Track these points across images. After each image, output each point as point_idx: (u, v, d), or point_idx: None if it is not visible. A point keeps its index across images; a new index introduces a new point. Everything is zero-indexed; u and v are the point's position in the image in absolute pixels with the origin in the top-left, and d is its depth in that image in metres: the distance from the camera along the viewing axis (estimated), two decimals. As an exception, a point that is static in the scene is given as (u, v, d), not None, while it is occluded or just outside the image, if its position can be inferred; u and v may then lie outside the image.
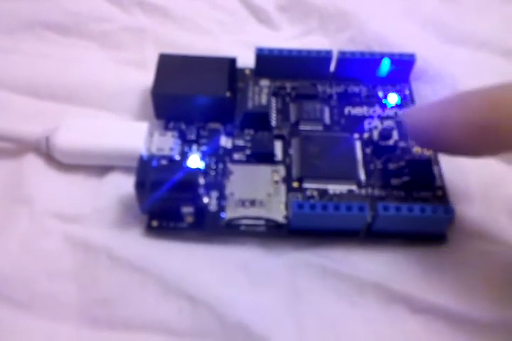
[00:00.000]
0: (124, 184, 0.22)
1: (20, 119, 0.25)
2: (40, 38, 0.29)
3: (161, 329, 0.19)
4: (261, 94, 0.25)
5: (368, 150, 0.24)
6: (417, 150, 0.24)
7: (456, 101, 0.19)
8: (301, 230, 0.21)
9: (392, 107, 0.26)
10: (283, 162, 0.23)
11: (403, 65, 0.26)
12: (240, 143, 0.24)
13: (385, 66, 0.26)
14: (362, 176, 0.23)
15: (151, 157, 0.22)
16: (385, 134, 0.24)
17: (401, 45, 0.28)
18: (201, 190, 0.21)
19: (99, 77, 0.27)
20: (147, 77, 0.25)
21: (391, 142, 0.24)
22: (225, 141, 0.24)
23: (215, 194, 0.22)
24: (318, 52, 0.26)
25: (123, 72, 0.28)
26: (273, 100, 0.26)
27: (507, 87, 0.18)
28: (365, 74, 0.26)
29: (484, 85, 0.18)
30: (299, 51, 0.26)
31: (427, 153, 0.24)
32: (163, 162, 0.21)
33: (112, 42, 0.29)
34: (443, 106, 0.19)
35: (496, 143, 0.18)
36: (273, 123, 0.25)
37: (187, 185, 0.20)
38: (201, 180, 0.21)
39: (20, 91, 0.26)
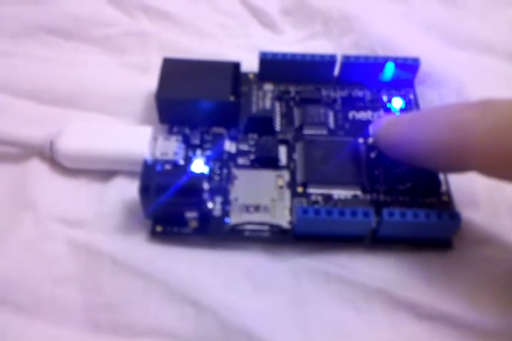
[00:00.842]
0: (129, 189, 0.22)
1: (23, 124, 0.25)
2: (42, 42, 0.29)
3: (165, 335, 0.19)
4: (265, 99, 0.25)
5: (373, 155, 0.24)
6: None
7: (423, 121, 0.20)
8: (305, 236, 0.21)
9: (396, 111, 0.26)
10: (287, 167, 0.23)
11: (407, 69, 0.26)
12: (244, 147, 0.24)
13: (389, 70, 0.26)
14: (367, 181, 0.23)
15: (155, 161, 0.21)
16: (390, 139, 0.24)
17: (405, 49, 0.28)
18: (205, 195, 0.21)
19: (102, 81, 0.27)
20: (151, 82, 0.25)
21: (396, 147, 0.24)
22: (229, 146, 0.24)
23: (219, 199, 0.22)
24: (322, 56, 0.26)
25: (126, 76, 0.28)
26: (277, 104, 0.26)
27: (472, 106, 0.18)
28: (369, 78, 0.26)
29: (451, 102, 0.19)
30: (303, 55, 0.26)
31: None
32: (168, 167, 0.21)
33: (115, 46, 0.29)
34: (411, 124, 0.20)
35: (462, 163, 0.19)
36: (277, 127, 0.25)
37: (191, 190, 0.20)
38: (205, 185, 0.21)
39: (23, 96, 0.26)
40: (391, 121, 0.21)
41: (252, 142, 0.24)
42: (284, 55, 0.26)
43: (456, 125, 0.18)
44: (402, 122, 0.21)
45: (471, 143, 0.18)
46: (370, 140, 0.24)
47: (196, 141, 0.24)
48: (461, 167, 0.19)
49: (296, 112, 0.25)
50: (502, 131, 0.17)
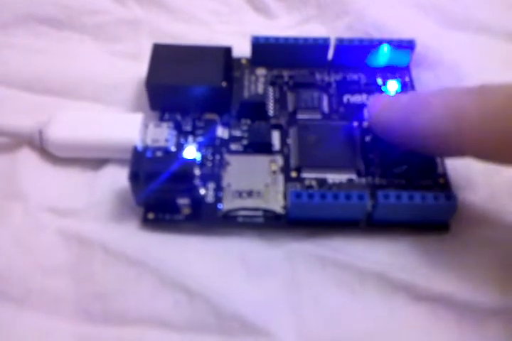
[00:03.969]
0: (120, 177, 0.22)
1: (14, 114, 0.24)
2: (33, 32, 0.29)
3: (158, 323, 0.19)
4: (257, 84, 0.25)
5: (368, 139, 0.23)
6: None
7: (419, 105, 0.19)
8: (299, 220, 0.21)
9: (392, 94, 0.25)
10: (281, 152, 0.23)
11: (403, 53, 0.25)
12: (237, 133, 0.23)
13: (384, 53, 0.25)
14: (361, 165, 0.22)
15: (146, 148, 0.21)
16: (385, 122, 0.23)
17: (400, 31, 0.28)
18: (197, 181, 0.21)
19: (93, 70, 0.27)
20: (142, 69, 0.24)
21: (391, 130, 0.23)
22: (222, 132, 0.23)
23: (211, 185, 0.22)
24: (316, 39, 0.25)
25: (118, 64, 0.27)
26: (270, 89, 0.25)
27: (469, 92, 0.18)
28: (363, 61, 0.26)
29: (447, 87, 0.19)
30: (296, 39, 0.25)
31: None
32: (159, 153, 0.21)
33: (106, 34, 0.29)
34: (407, 108, 0.20)
35: (457, 149, 0.19)
36: (270, 112, 0.24)
37: (183, 176, 0.20)
38: (197, 171, 0.20)
39: (14, 86, 0.26)
40: (386, 104, 0.21)
41: (244, 127, 0.24)
42: (277, 38, 0.25)
43: (453, 111, 0.18)
44: (397, 106, 0.20)
45: (467, 129, 0.18)
46: (365, 123, 0.24)
47: (188, 128, 0.23)
48: (456, 152, 0.19)
49: (290, 97, 0.25)
50: (496, 118, 0.17)
